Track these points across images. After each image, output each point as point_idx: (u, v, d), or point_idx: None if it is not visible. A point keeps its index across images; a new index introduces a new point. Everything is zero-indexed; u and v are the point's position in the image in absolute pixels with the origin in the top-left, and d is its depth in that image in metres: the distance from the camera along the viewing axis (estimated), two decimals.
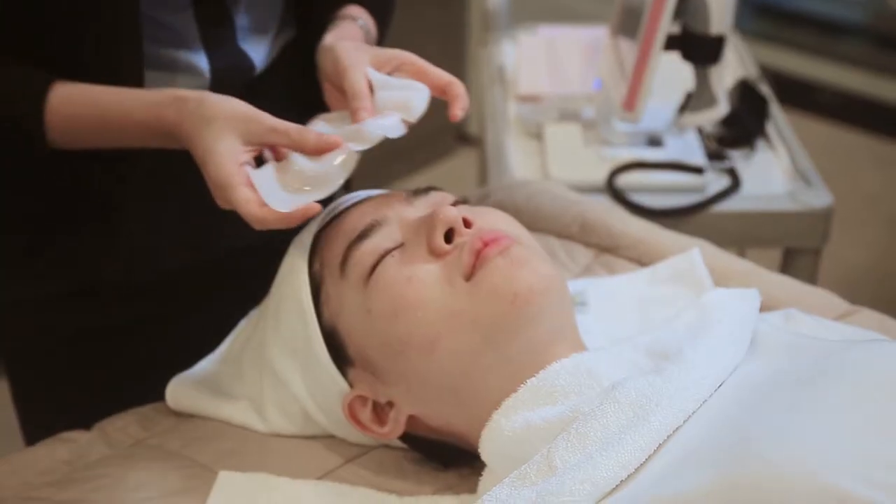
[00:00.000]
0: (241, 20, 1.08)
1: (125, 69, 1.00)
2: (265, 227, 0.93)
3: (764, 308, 1.04)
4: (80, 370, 1.17)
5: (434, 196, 1.04)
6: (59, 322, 1.14)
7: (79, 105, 0.97)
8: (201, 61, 1.06)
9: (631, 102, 1.48)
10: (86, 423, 1.09)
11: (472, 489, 0.97)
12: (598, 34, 1.79)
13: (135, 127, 0.97)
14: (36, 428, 1.17)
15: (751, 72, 1.84)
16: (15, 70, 0.98)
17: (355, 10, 1.13)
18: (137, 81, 1.00)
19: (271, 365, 1.04)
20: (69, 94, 0.97)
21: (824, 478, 0.73)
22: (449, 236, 0.97)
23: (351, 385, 1.00)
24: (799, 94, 3.00)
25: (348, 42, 1.05)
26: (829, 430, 0.77)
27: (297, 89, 1.13)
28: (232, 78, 1.08)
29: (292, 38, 1.16)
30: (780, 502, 0.73)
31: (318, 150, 0.95)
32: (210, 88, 1.06)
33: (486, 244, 0.94)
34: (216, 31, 1.06)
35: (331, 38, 1.06)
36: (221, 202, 0.94)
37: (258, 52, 1.11)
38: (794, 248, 1.56)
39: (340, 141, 0.96)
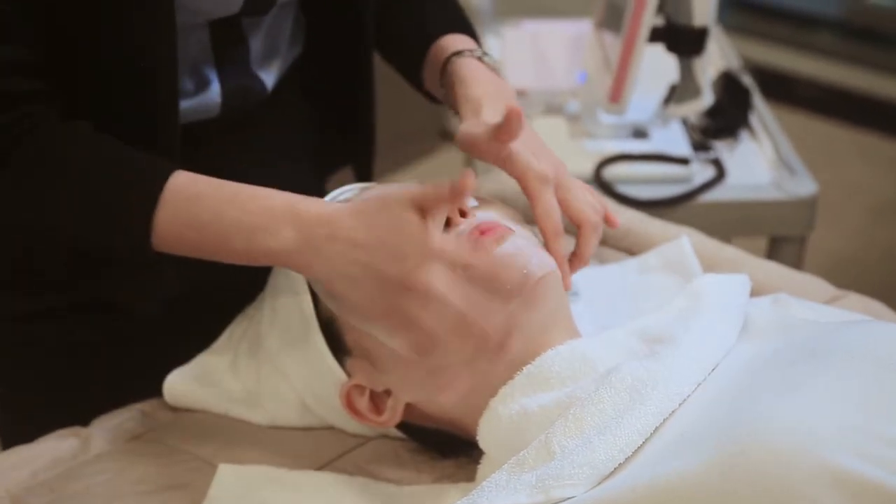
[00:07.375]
0: (256, 44, 1.08)
1: (160, 96, 0.96)
2: None
3: (753, 294, 1.05)
4: (75, 371, 1.16)
5: None
6: (52, 334, 1.13)
7: (202, 183, 0.90)
8: (212, 83, 1.05)
9: (616, 94, 1.49)
10: (82, 420, 1.08)
11: (471, 478, 0.98)
12: (581, 28, 1.79)
13: (263, 203, 0.89)
14: (19, 426, 1.14)
15: (733, 64, 1.85)
16: (134, 159, 0.91)
17: (463, 41, 1.13)
18: (173, 108, 0.97)
19: (268, 356, 1.05)
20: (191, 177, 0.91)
21: (821, 454, 0.74)
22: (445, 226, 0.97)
23: (348, 374, 1.00)
24: (777, 87, 3.02)
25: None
26: (824, 407, 0.78)
27: (307, 106, 1.12)
28: (242, 101, 1.08)
29: (300, 54, 1.16)
30: (777, 480, 0.74)
31: None
32: (220, 111, 1.06)
33: (482, 232, 0.95)
34: (230, 55, 1.06)
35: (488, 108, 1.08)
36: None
37: (270, 75, 1.11)
38: (779, 237, 1.57)
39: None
